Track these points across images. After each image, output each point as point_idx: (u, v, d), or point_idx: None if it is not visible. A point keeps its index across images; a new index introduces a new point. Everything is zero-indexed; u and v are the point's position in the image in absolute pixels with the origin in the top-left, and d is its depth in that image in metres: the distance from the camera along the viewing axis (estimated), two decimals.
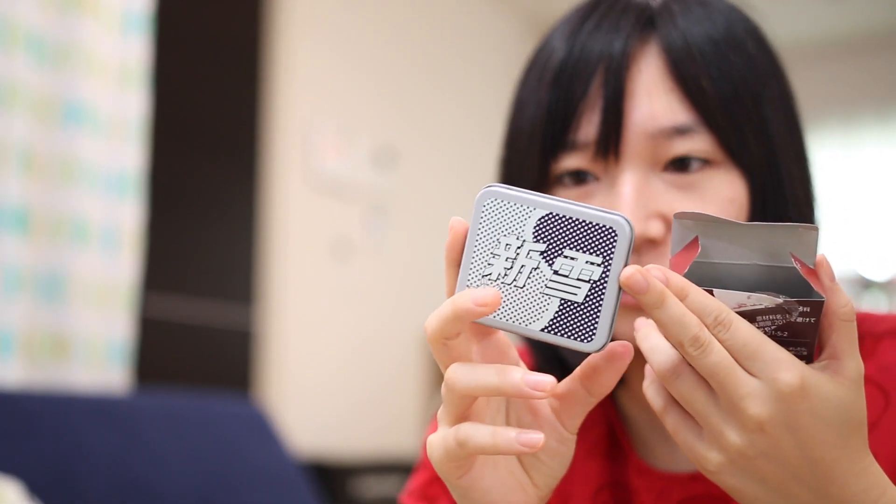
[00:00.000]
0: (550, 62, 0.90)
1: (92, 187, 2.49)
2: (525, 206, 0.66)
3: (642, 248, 0.86)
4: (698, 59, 0.87)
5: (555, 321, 0.66)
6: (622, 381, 0.97)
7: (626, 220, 0.65)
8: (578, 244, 0.65)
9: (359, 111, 4.41)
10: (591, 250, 0.65)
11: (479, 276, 0.66)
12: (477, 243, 0.67)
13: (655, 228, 0.85)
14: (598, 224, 0.65)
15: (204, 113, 3.66)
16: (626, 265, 0.65)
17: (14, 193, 2.31)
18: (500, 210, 0.66)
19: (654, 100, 0.86)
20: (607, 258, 0.65)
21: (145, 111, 2.65)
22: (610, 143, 0.86)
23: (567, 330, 0.66)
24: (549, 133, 0.89)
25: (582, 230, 0.65)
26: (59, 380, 2.44)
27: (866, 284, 5.07)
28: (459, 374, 0.66)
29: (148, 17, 2.65)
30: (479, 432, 0.66)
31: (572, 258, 0.65)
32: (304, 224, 4.06)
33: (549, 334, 0.66)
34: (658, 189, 0.86)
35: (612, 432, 0.98)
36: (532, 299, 0.66)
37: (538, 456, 0.74)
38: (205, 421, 2.32)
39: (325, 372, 4.09)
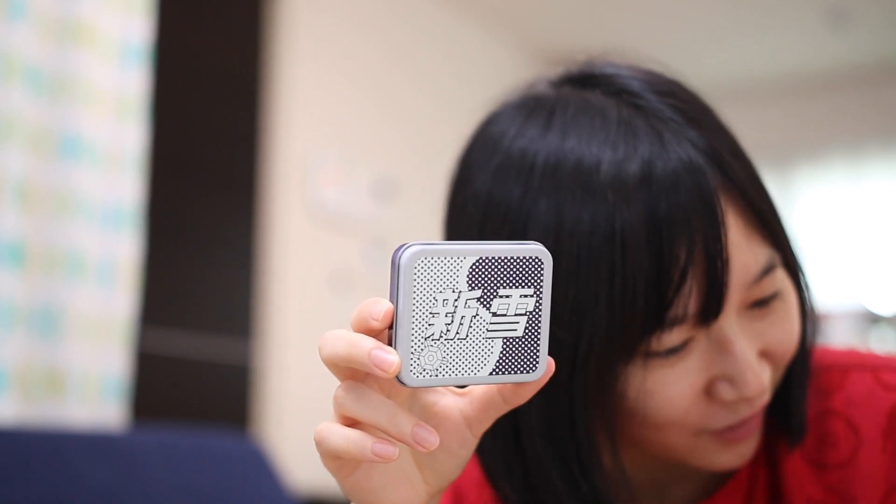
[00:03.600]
0: (619, 220, 0.80)
1: (89, 220, 2.47)
2: (455, 258, 0.65)
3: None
4: (763, 192, 0.87)
5: (501, 362, 0.67)
6: None
7: (543, 247, 0.67)
8: (510, 281, 0.66)
9: (359, 143, 4.40)
10: (523, 283, 0.66)
11: (422, 339, 0.65)
12: (414, 307, 0.65)
13: (768, 375, 0.86)
14: (524, 257, 0.66)
15: (203, 145, 3.65)
16: (550, 289, 0.67)
17: (9, 226, 2.29)
18: (431, 268, 0.65)
19: (744, 249, 0.83)
20: (538, 287, 0.67)
21: (143, 143, 2.63)
22: (717, 312, 0.81)
23: (513, 367, 0.67)
24: (650, 311, 0.80)
25: (511, 267, 0.66)
26: (54, 415, 2.42)
27: (873, 319, 5.04)
28: (345, 400, 0.67)
29: (146, 49, 2.64)
30: (333, 434, 0.67)
31: (507, 296, 0.66)
32: (303, 257, 4.04)
33: (497, 375, 0.67)
34: (750, 328, 0.85)
35: None
36: (477, 347, 0.66)
37: (434, 454, 0.73)
38: (202, 457, 2.30)
39: (324, 407, 4.05)
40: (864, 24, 5.22)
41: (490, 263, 0.66)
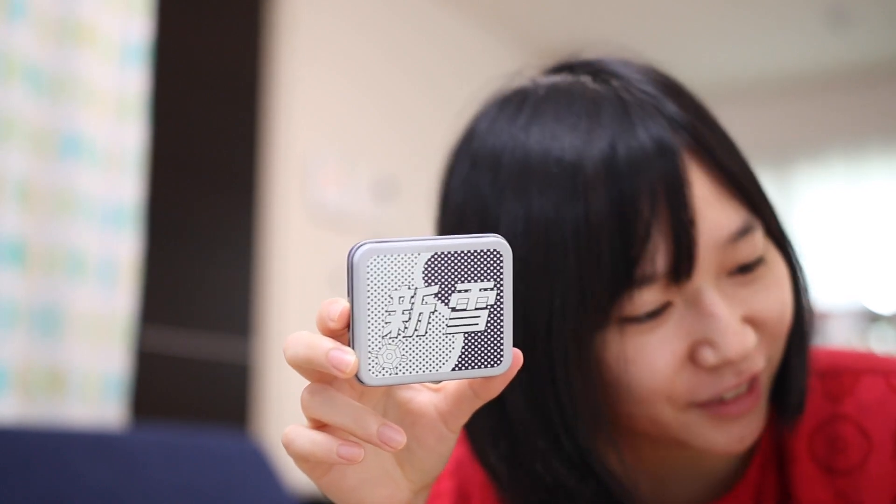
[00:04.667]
0: (583, 177, 0.81)
1: (89, 220, 2.47)
2: (409, 255, 0.65)
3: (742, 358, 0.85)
4: (740, 159, 0.87)
5: (463, 357, 0.66)
6: None
7: (502, 239, 0.66)
8: (469, 275, 0.65)
9: (359, 142, 4.40)
10: (482, 277, 0.65)
11: (380, 338, 0.64)
12: (369, 306, 0.64)
13: (752, 337, 0.83)
14: (482, 250, 0.65)
15: (203, 144, 3.65)
16: (511, 282, 0.66)
17: (10, 226, 2.29)
18: (385, 266, 0.64)
19: (714, 208, 0.83)
20: (498, 280, 0.66)
21: (143, 143, 2.63)
22: (688, 270, 0.81)
23: (477, 361, 0.66)
24: (616, 267, 0.81)
25: (468, 261, 0.65)
26: (54, 414, 2.42)
27: (873, 318, 5.04)
28: (310, 403, 0.67)
29: (146, 48, 2.64)
30: (300, 437, 0.67)
31: (466, 290, 0.66)
32: (303, 256, 4.04)
33: (460, 371, 0.66)
34: (732, 295, 0.84)
35: None
36: (437, 343, 0.65)
37: (413, 451, 0.73)
38: (202, 456, 2.30)
39: None
40: (864, 24, 5.22)
41: (446, 258, 0.65)
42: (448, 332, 0.66)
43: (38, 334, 2.40)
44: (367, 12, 4.51)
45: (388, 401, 0.74)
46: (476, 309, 0.66)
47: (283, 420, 3.86)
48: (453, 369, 0.66)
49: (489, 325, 0.66)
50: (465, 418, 0.72)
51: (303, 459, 0.68)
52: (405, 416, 0.73)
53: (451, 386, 0.72)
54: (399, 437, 0.65)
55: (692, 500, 0.95)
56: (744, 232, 0.83)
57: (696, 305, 0.83)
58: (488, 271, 0.66)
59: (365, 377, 0.65)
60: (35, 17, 2.38)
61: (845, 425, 0.90)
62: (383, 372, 0.65)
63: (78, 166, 2.46)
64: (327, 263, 4.15)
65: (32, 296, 2.38)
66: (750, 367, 0.84)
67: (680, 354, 0.83)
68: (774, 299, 0.85)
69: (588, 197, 0.81)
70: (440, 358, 0.66)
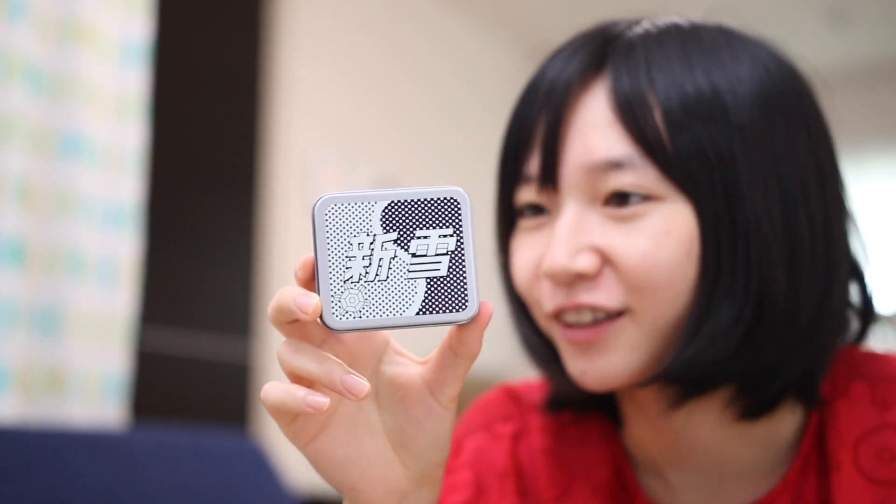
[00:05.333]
0: (521, 94, 0.93)
1: (89, 219, 2.47)
2: (366, 203, 0.68)
3: (574, 281, 0.85)
4: (644, 92, 0.85)
5: (427, 301, 0.68)
6: (623, 425, 0.95)
7: (461, 189, 0.68)
8: (427, 222, 0.68)
9: (359, 141, 4.40)
10: (441, 224, 0.68)
11: (341, 283, 0.67)
12: (329, 252, 0.68)
13: (583, 262, 0.84)
14: (439, 198, 0.68)
15: (203, 144, 3.65)
16: (473, 230, 0.68)
17: (10, 225, 2.29)
18: (343, 214, 0.68)
19: (591, 134, 0.86)
20: (458, 227, 0.68)
21: (143, 142, 2.63)
22: (548, 177, 0.86)
23: (441, 306, 0.68)
24: (509, 165, 0.92)
25: (426, 209, 0.68)
26: (54, 414, 2.42)
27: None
28: (283, 354, 0.69)
29: (146, 48, 2.64)
30: (274, 388, 0.69)
31: (425, 237, 0.68)
32: (303, 255, 4.05)
33: (424, 315, 0.67)
34: (594, 223, 0.85)
35: (618, 473, 0.96)
36: (399, 287, 0.68)
37: (404, 429, 0.74)
38: (202, 456, 2.30)
39: None
40: (864, 24, 5.22)
41: (403, 206, 0.68)
42: (409, 276, 0.67)
43: (38, 334, 2.39)
44: (367, 12, 4.51)
45: (379, 377, 0.75)
46: (436, 255, 0.68)
47: None
48: (417, 313, 0.67)
49: (451, 270, 0.68)
50: (452, 387, 0.73)
51: (276, 411, 0.70)
52: (395, 391, 0.75)
53: (434, 353, 0.73)
54: (361, 386, 0.67)
55: (732, 502, 0.93)
56: (618, 164, 0.84)
57: (555, 220, 0.88)
58: (447, 218, 0.68)
59: (329, 320, 0.67)
60: (35, 17, 2.38)
61: (893, 435, 0.87)
62: (347, 315, 0.67)
63: (78, 166, 2.46)
64: None
65: (32, 296, 2.38)
66: (583, 295, 0.85)
67: (534, 261, 0.89)
68: (634, 245, 0.84)
69: (518, 105, 0.92)
70: (403, 302, 0.67)
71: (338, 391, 0.67)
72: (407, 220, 0.67)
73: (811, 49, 5.54)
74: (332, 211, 0.68)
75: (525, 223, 0.90)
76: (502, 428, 1.01)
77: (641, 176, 0.84)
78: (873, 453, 0.87)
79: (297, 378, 0.70)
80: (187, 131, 3.58)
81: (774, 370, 0.87)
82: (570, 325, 0.87)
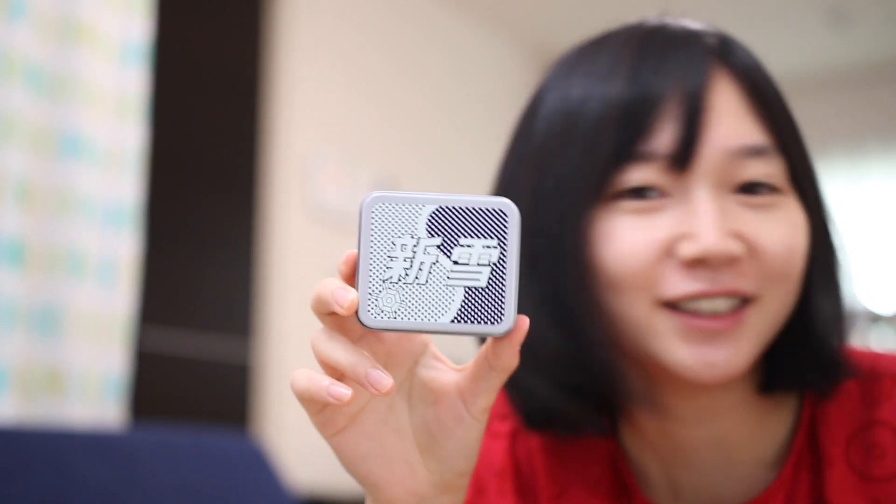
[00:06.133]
0: (618, 67, 0.87)
1: (88, 219, 2.47)
2: (413, 205, 0.68)
3: (722, 266, 0.83)
4: (771, 86, 0.87)
5: (463, 310, 0.67)
6: (626, 418, 0.94)
7: (511, 202, 0.68)
8: (472, 231, 0.67)
9: (359, 141, 4.40)
10: (486, 234, 0.67)
11: (380, 282, 0.68)
12: (372, 250, 0.68)
13: (735, 245, 0.82)
14: (487, 209, 0.68)
15: (202, 144, 3.65)
16: (518, 244, 0.67)
17: (10, 225, 2.29)
18: (390, 213, 0.68)
19: (733, 118, 0.85)
20: (502, 239, 0.67)
21: (143, 143, 2.63)
22: (687, 156, 0.83)
23: (476, 316, 0.67)
24: (621, 139, 0.85)
25: (473, 217, 0.68)
26: (53, 415, 2.42)
27: (874, 318, 5.04)
28: (316, 341, 0.70)
29: (146, 48, 2.64)
30: (301, 376, 0.70)
31: (469, 245, 0.67)
32: (303, 256, 4.04)
33: (459, 324, 0.67)
34: (732, 208, 0.84)
35: (615, 471, 0.95)
36: (437, 293, 0.68)
37: (432, 433, 0.74)
38: (202, 456, 2.30)
39: None
40: (864, 24, 5.22)
41: (451, 213, 0.68)
42: (448, 283, 0.67)
43: (38, 334, 2.39)
44: (367, 12, 4.51)
45: (413, 378, 0.76)
46: (478, 265, 0.67)
47: (283, 420, 3.85)
48: (452, 321, 0.67)
49: (491, 282, 0.67)
50: (484, 399, 0.73)
51: (302, 397, 0.71)
52: (428, 394, 0.75)
53: (471, 363, 0.73)
54: (384, 381, 0.67)
55: (724, 502, 0.93)
56: (757, 151, 0.84)
57: (688, 202, 0.84)
58: (492, 229, 0.67)
59: (364, 317, 0.68)
60: (35, 17, 2.38)
61: (883, 432, 0.88)
62: (382, 315, 0.67)
63: (78, 166, 2.46)
64: (327, 263, 4.15)
65: (32, 296, 2.38)
66: (729, 280, 0.83)
67: (660, 242, 0.84)
68: (778, 234, 0.84)
69: (615, 73, 0.87)
70: (439, 308, 0.68)
71: (361, 383, 0.68)
72: (452, 227, 0.68)
73: (811, 49, 5.54)
74: (380, 209, 0.68)
75: (631, 204, 0.85)
76: (500, 427, 1.00)
77: (773, 167, 0.85)
78: (863, 450, 0.88)
79: (328, 367, 0.70)
80: (187, 131, 3.58)
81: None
82: (699, 314, 0.84)
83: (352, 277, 0.69)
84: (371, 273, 0.68)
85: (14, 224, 2.30)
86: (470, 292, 0.67)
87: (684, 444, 0.91)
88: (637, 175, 0.84)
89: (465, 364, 0.75)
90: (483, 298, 0.67)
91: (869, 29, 5.28)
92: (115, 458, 2.12)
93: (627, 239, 0.84)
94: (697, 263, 0.83)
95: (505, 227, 0.67)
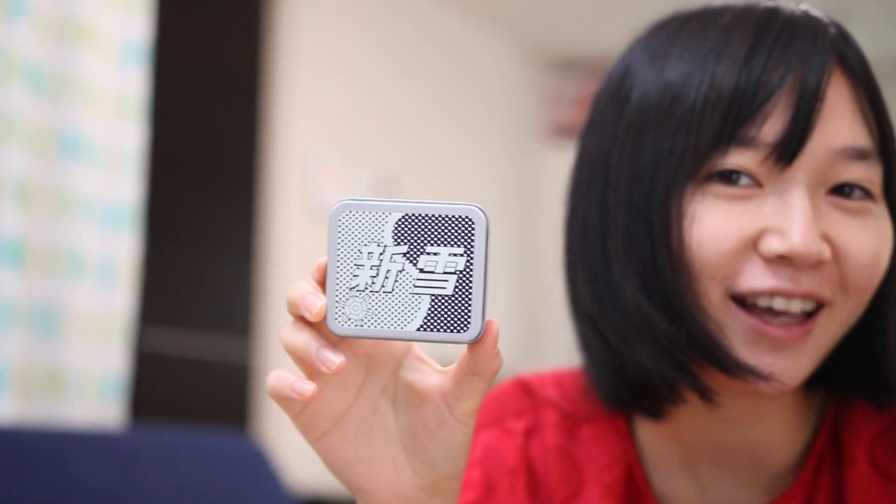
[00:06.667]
0: (732, 46, 0.84)
1: (88, 220, 2.47)
2: (380, 213, 0.68)
3: (806, 267, 0.81)
4: (878, 88, 0.86)
5: (429, 319, 0.67)
6: (657, 417, 0.93)
7: (480, 208, 0.67)
8: (439, 239, 0.67)
9: (359, 142, 4.40)
10: (452, 242, 0.67)
11: (347, 290, 0.68)
12: (339, 258, 0.68)
13: (825, 249, 0.81)
14: (454, 216, 0.67)
15: (202, 144, 3.65)
16: (486, 251, 0.67)
17: (9, 226, 2.29)
18: (357, 221, 0.68)
19: (843, 117, 0.83)
20: (469, 247, 0.67)
21: (143, 143, 2.63)
22: (794, 150, 0.81)
23: (442, 324, 0.67)
24: (727, 120, 0.82)
25: (439, 225, 0.67)
26: (53, 415, 2.42)
27: None
28: (282, 331, 0.71)
29: (146, 48, 2.64)
30: (270, 375, 0.71)
31: (435, 253, 0.67)
32: (303, 256, 4.04)
33: (425, 332, 0.68)
34: (824, 209, 0.83)
35: (630, 474, 0.94)
36: (403, 301, 0.68)
37: (417, 435, 0.73)
38: (202, 456, 2.30)
39: None
40: (864, 24, 5.21)
41: (417, 221, 0.67)
42: (414, 291, 0.67)
43: (38, 334, 2.39)
44: (367, 12, 4.51)
45: (397, 381, 0.75)
46: (444, 273, 0.67)
47: (283, 420, 3.84)
48: (418, 329, 0.68)
49: (457, 290, 0.67)
50: (467, 402, 0.72)
51: (273, 396, 0.71)
52: (412, 396, 0.74)
53: (455, 366, 0.73)
54: (333, 360, 0.68)
55: (745, 502, 0.92)
56: (862, 154, 0.83)
57: (782, 196, 0.82)
58: (459, 238, 0.67)
59: (332, 325, 0.69)
60: (35, 17, 2.38)
61: None
62: (349, 322, 0.68)
63: (78, 166, 2.45)
64: None
65: (32, 296, 2.38)
66: (810, 283, 0.82)
67: (746, 233, 0.82)
68: (866, 242, 0.83)
69: (728, 53, 0.83)
70: (405, 317, 0.68)
71: (313, 363, 0.68)
72: (419, 235, 0.67)
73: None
74: (347, 217, 0.68)
75: (722, 189, 0.83)
76: (515, 424, 0.99)
77: (873, 172, 0.83)
78: (890, 450, 0.87)
79: (296, 358, 0.71)
80: (187, 131, 3.57)
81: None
82: (769, 322, 0.82)
83: (324, 284, 0.70)
84: (338, 281, 0.68)
85: (14, 224, 2.30)
86: (436, 300, 0.67)
87: (720, 444, 0.90)
88: (736, 159, 0.82)
89: (451, 365, 0.75)
90: (449, 306, 0.67)
91: (869, 29, 5.28)
92: (115, 458, 2.12)
93: (713, 225, 0.82)
94: (781, 261, 0.81)
95: (472, 234, 0.67)
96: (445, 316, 0.67)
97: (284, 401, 0.71)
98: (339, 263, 0.68)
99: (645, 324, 0.84)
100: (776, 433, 0.90)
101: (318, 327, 0.71)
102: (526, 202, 5.35)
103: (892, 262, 0.86)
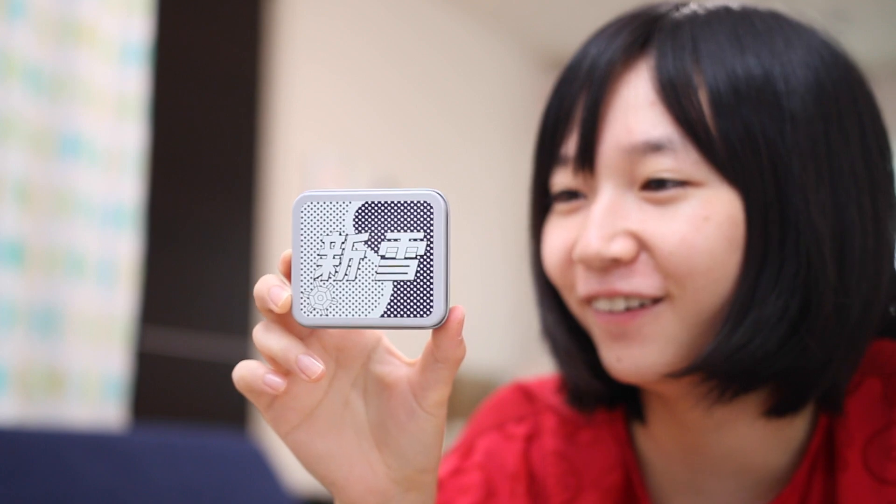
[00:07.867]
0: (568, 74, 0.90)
1: (88, 220, 2.47)
2: (340, 202, 0.69)
3: (608, 267, 0.83)
4: (689, 72, 0.83)
5: (392, 304, 0.68)
6: (642, 421, 0.93)
7: (438, 193, 0.68)
8: (398, 225, 0.68)
9: (359, 142, 4.40)
10: (412, 227, 0.68)
11: (311, 280, 0.69)
12: (302, 249, 0.69)
13: (618, 247, 0.82)
14: (412, 202, 0.68)
15: (202, 144, 3.65)
16: (447, 235, 0.67)
17: (9, 226, 2.29)
18: (318, 212, 0.69)
19: (632, 114, 0.83)
20: (429, 231, 0.68)
21: (143, 143, 2.63)
22: (586, 158, 0.85)
23: (405, 310, 0.68)
24: (546, 146, 0.89)
25: (399, 212, 0.68)
26: (53, 415, 2.42)
27: None
28: (255, 331, 0.70)
29: (146, 48, 2.64)
30: (240, 366, 0.71)
31: (396, 239, 0.68)
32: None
33: (389, 318, 0.68)
34: (630, 207, 0.84)
35: (628, 480, 0.94)
36: (366, 289, 0.68)
37: (387, 427, 0.73)
38: (202, 457, 2.30)
39: None
40: (864, 24, 5.21)
41: (376, 208, 0.68)
42: (377, 278, 0.68)
43: (38, 334, 2.39)
44: (367, 12, 4.51)
45: (367, 375, 0.75)
46: (405, 258, 0.68)
47: None
48: (382, 315, 0.68)
49: (419, 275, 0.68)
50: (435, 392, 0.72)
51: (241, 387, 0.71)
52: (381, 389, 0.75)
53: (421, 357, 0.73)
54: (314, 367, 0.68)
55: None
56: (657, 146, 0.82)
57: (591, 204, 0.86)
58: (418, 222, 0.68)
59: (297, 316, 0.69)
60: (35, 17, 2.38)
61: None
62: (314, 313, 0.69)
63: (77, 166, 2.46)
64: None
65: (32, 296, 2.38)
66: (615, 282, 0.84)
67: (568, 244, 0.87)
68: (671, 230, 0.82)
69: (557, 84, 0.90)
70: (369, 304, 0.68)
71: (292, 370, 0.68)
72: (379, 222, 0.68)
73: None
74: (308, 209, 0.69)
75: (559, 206, 0.88)
76: (515, 429, 0.99)
77: (681, 160, 0.82)
78: (882, 452, 0.85)
79: (268, 358, 0.70)
80: (187, 131, 3.57)
81: (819, 368, 0.83)
82: (601, 311, 0.85)
83: (290, 276, 0.70)
84: (302, 272, 0.69)
85: (14, 224, 2.30)
86: (398, 286, 0.68)
87: (697, 450, 0.90)
88: (559, 178, 0.88)
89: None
90: (411, 291, 0.68)
91: (869, 29, 5.28)
92: (115, 458, 2.12)
93: (548, 241, 0.89)
94: (586, 265, 0.85)
95: (431, 219, 0.68)
96: (408, 301, 0.68)
97: (254, 393, 0.71)
98: (302, 254, 0.69)
99: (553, 342, 0.93)
100: (754, 439, 0.89)
101: (287, 322, 0.71)
102: (525, 202, 5.34)
103: (760, 237, 0.82)
